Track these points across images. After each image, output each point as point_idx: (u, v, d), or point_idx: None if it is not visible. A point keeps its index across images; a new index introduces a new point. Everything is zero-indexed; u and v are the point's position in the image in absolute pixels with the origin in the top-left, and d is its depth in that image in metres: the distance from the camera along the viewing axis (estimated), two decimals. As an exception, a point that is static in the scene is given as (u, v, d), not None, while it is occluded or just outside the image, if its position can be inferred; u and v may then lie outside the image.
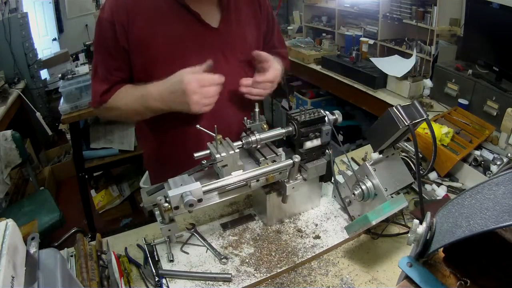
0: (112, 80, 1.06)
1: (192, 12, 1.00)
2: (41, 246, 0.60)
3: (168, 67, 1.00)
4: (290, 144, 1.01)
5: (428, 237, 0.56)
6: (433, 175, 1.25)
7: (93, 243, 0.92)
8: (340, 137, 3.03)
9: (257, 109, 0.96)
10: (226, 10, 1.06)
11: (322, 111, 0.97)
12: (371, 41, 2.90)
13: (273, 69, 1.07)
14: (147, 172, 2.59)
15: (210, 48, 1.05)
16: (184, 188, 0.77)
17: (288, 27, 3.85)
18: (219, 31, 1.05)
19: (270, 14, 1.22)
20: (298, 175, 0.96)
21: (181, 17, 1.01)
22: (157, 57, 1.01)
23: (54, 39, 4.56)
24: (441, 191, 1.17)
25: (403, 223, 1.02)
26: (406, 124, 0.87)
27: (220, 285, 0.85)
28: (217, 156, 0.85)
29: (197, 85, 0.93)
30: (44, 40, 4.34)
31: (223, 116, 1.11)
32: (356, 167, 1.06)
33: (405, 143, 1.22)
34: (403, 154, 1.18)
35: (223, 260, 0.91)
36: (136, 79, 1.07)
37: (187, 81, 0.92)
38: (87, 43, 3.33)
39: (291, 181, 0.92)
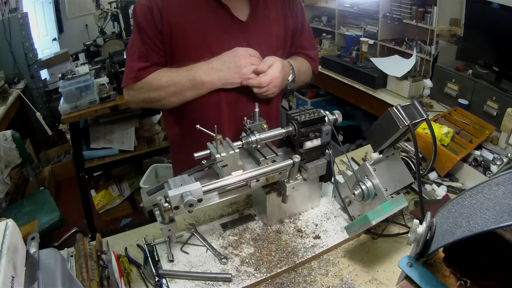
0: (150, 60, 1.09)
1: (222, 4, 1.05)
2: (41, 246, 0.60)
3: (194, 55, 1.06)
4: (290, 144, 1.01)
5: (428, 237, 0.56)
6: (433, 175, 1.25)
7: (93, 243, 0.92)
8: (340, 137, 3.03)
9: (257, 109, 0.96)
10: (255, 6, 1.11)
11: (322, 111, 0.97)
12: (371, 41, 2.90)
13: (269, 73, 1.06)
14: (147, 172, 2.60)
15: (236, 40, 1.08)
16: (184, 188, 0.77)
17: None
18: (246, 24, 1.10)
19: (300, 13, 1.23)
20: (298, 175, 0.96)
21: (212, 9, 1.06)
22: (184, 44, 1.06)
23: (54, 39, 4.55)
24: (441, 191, 1.17)
25: (403, 223, 1.02)
26: (406, 124, 0.87)
27: (220, 285, 0.85)
28: (217, 156, 0.85)
29: (247, 53, 1.05)
30: (44, 40, 4.34)
31: (244, 107, 1.13)
32: (356, 167, 1.06)
33: (405, 143, 1.22)
34: (403, 154, 1.18)
35: (223, 260, 0.91)
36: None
37: (239, 50, 1.05)
38: (87, 43, 3.34)
39: (291, 181, 0.92)
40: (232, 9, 1.06)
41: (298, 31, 1.24)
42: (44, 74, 3.95)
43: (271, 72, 1.06)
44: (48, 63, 3.92)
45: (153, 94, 1.10)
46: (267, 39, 1.15)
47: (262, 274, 0.87)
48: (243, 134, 0.96)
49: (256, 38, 1.11)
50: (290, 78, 1.17)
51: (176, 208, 0.77)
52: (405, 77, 2.27)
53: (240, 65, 1.04)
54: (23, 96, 3.16)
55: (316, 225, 1.03)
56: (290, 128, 0.95)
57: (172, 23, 1.03)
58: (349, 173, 1.05)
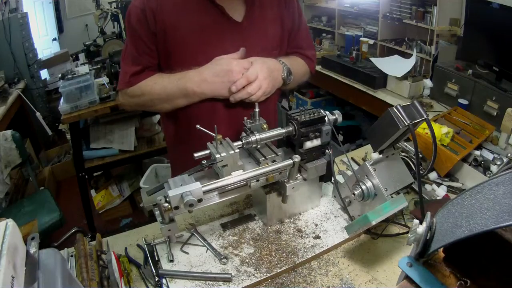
0: (142, 63, 1.09)
1: (217, 5, 1.04)
2: (41, 246, 0.60)
3: (189, 56, 1.05)
4: (290, 144, 1.01)
5: (428, 237, 0.56)
6: (433, 175, 1.25)
7: (93, 243, 0.92)
8: (340, 137, 3.03)
9: (257, 109, 0.96)
10: (251, 6, 1.09)
11: (322, 111, 0.97)
12: (371, 41, 2.90)
13: (247, 74, 1.03)
14: (147, 172, 2.60)
15: (231, 41, 1.07)
16: (184, 188, 0.77)
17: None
18: (242, 25, 1.08)
19: (297, 12, 1.22)
20: (298, 175, 0.96)
21: (206, 10, 1.05)
22: (179, 46, 1.05)
23: (54, 39, 4.55)
24: (441, 191, 1.17)
25: (403, 223, 1.02)
26: (406, 124, 0.87)
27: (220, 285, 0.85)
28: (217, 156, 0.85)
29: (241, 67, 1.01)
30: (44, 40, 4.34)
31: (240, 108, 1.12)
32: (356, 167, 1.06)
33: (405, 143, 1.22)
34: (403, 154, 1.18)
35: (223, 260, 0.91)
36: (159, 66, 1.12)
37: (233, 63, 1.01)
38: (87, 43, 3.34)
39: (291, 181, 0.92)
40: (227, 10, 1.05)
41: (294, 31, 1.23)
42: (44, 74, 3.95)
43: (252, 68, 1.03)
44: (48, 63, 3.92)
45: (145, 100, 1.11)
46: (263, 40, 1.13)
47: (262, 274, 0.87)
48: (243, 134, 0.96)
49: (251, 38, 1.10)
50: (284, 74, 1.12)
51: (176, 208, 0.77)
52: (405, 77, 2.27)
53: (233, 80, 1.01)
54: (23, 96, 3.16)
55: (316, 225, 1.03)
56: (290, 128, 0.95)
57: (166, 24, 1.03)
58: (349, 173, 1.05)
